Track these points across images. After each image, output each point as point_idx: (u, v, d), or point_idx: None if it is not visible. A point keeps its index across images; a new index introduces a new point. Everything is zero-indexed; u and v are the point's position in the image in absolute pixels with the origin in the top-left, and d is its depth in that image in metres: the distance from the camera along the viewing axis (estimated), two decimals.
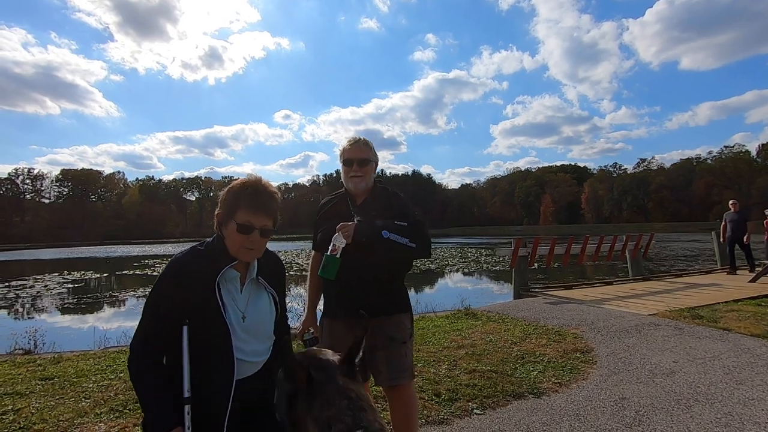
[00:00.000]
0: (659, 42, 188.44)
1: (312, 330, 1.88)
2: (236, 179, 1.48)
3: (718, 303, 6.35)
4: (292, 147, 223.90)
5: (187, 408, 1.24)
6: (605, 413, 2.94)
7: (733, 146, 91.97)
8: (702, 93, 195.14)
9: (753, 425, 2.70)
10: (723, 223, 10.00)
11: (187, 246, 1.42)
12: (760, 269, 8.65)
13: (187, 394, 1.25)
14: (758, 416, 2.81)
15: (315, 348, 1.23)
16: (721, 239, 10.17)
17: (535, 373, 3.73)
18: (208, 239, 1.46)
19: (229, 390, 1.31)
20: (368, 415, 0.94)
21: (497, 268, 16.49)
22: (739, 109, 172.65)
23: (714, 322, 5.22)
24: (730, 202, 10.01)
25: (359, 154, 2.06)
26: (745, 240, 9.41)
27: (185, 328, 1.28)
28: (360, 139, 2.10)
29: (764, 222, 9.69)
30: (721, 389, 3.28)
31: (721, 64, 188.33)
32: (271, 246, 1.49)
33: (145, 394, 1.27)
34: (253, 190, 1.38)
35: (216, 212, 1.43)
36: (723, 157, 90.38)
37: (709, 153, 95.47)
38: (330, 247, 1.87)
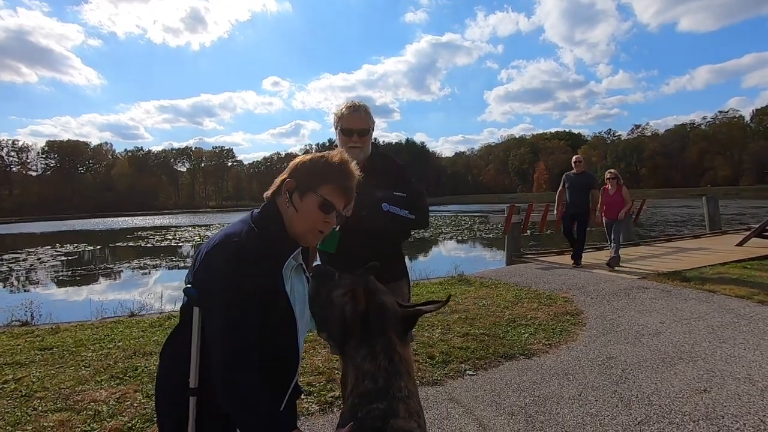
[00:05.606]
0: (658, 2, 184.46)
1: None
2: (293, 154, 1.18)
3: (705, 266, 6.50)
4: (283, 115, 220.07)
5: (192, 400, 1.09)
6: (593, 372, 3.05)
7: (727, 111, 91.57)
8: (700, 56, 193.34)
9: (733, 380, 2.82)
10: (560, 187, 6.91)
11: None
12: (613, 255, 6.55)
13: (192, 385, 1.09)
14: (738, 372, 2.94)
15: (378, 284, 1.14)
16: (555, 210, 7.22)
17: (526, 335, 3.83)
18: (253, 211, 1.20)
19: (284, 396, 1.17)
20: (402, 381, 0.93)
21: (490, 235, 16.64)
22: (737, 73, 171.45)
23: (700, 285, 5.36)
24: (573, 158, 6.96)
25: (359, 123, 1.96)
26: (594, 219, 6.80)
27: (197, 309, 1.08)
28: (360, 105, 2.00)
29: (602, 189, 6.91)
30: (704, 348, 3.40)
31: (720, 25, 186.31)
32: None
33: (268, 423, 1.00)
34: (347, 169, 1.21)
35: (284, 178, 1.18)
36: (717, 122, 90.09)
37: (704, 118, 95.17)
38: None
